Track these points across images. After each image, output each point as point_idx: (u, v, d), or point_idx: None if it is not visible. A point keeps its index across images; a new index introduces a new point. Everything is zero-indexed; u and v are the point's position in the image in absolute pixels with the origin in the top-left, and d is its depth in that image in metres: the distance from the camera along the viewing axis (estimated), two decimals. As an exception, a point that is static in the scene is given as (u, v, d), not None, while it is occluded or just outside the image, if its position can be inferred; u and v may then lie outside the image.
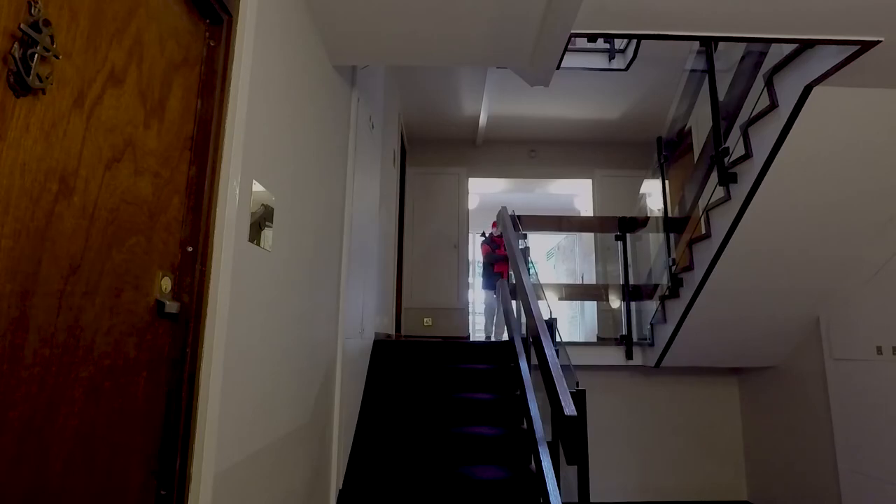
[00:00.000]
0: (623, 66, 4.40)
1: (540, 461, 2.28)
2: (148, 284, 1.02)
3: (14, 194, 0.71)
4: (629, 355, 3.95)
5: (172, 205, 1.10)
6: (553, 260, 7.97)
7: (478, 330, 8.20)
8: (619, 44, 4.44)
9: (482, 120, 5.28)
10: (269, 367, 1.53)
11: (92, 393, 0.87)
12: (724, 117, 3.05)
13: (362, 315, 2.95)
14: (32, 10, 0.73)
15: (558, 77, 2.44)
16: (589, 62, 4.46)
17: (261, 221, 1.43)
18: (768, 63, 2.64)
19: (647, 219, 4.38)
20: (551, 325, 3.44)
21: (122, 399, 0.95)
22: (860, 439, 3.00)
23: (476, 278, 6.06)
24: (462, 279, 5.65)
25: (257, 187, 1.41)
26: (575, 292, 5.51)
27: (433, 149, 5.87)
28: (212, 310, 1.18)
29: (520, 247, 3.61)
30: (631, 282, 4.07)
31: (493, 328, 5.04)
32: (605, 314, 5.07)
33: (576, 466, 2.35)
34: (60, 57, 0.79)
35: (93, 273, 0.87)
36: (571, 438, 1.73)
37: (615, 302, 4.43)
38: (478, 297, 8.03)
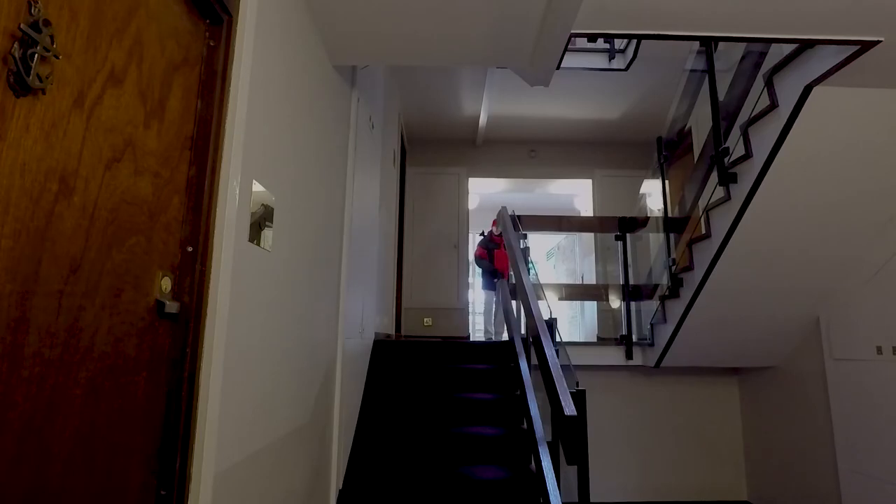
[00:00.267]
0: (623, 66, 4.40)
1: (540, 461, 2.28)
2: (148, 284, 1.02)
3: (14, 194, 0.71)
4: (629, 355, 3.95)
5: (172, 205, 1.10)
6: (553, 260, 7.97)
7: (478, 330, 8.20)
8: (619, 44, 4.44)
9: (482, 120, 5.28)
10: (269, 367, 1.53)
11: (92, 393, 0.87)
12: (724, 117, 3.05)
13: (362, 315, 2.95)
14: (32, 10, 0.73)
15: (558, 77, 2.44)
16: (589, 62, 4.46)
17: (261, 221, 1.43)
18: (768, 63, 2.64)
19: (647, 219, 4.38)
20: (551, 325, 3.44)
21: (122, 399, 0.95)
22: (860, 439, 3.00)
23: (476, 278, 6.05)
24: (462, 279, 5.65)
25: (257, 187, 1.41)
26: (575, 292, 5.51)
27: (433, 149, 5.87)
28: (212, 310, 1.18)
29: (520, 247, 3.61)
30: (631, 282, 4.08)
31: (493, 326, 5.02)
32: (605, 314, 5.07)
33: (576, 466, 2.35)
34: (60, 57, 0.79)
35: (93, 273, 0.87)
36: (571, 438, 1.73)
37: (615, 302, 4.43)
38: (478, 297, 8.03)
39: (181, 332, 1.12)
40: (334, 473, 2.32)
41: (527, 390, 2.74)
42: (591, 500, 3.82)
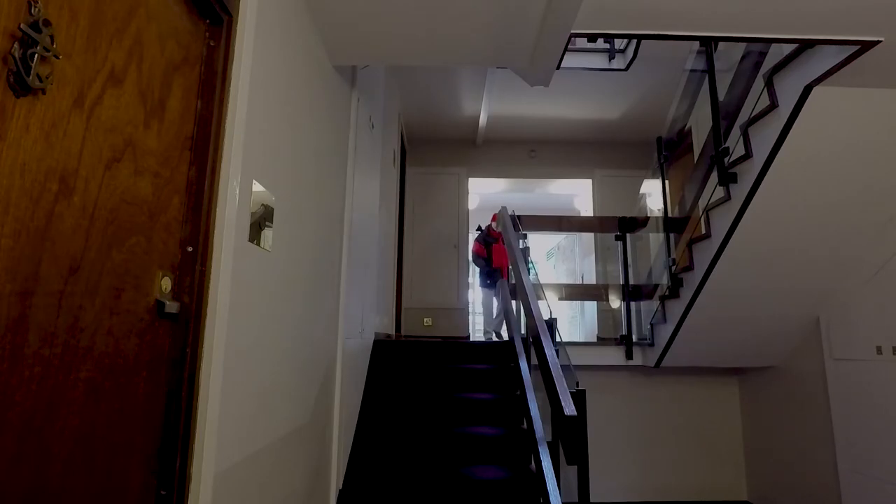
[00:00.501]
0: (623, 66, 4.40)
1: (540, 461, 2.28)
2: (148, 284, 1.02)
3: (14, 194, 0.71)
4: (629, 355, 3.95)
5: (172, 205, 1.10)
6: (553, 260, 7.97)
7: (478, 330, 8.19)
8: (619, 44, 4.44)
9: (482, 120, 5.28)
10: (269, 366, 1.53)
11: (92, 393, 0.87)
12: (724, 117, 3.05)
13: (362, 315, 2.95)
14: (32, 10, 0.73)
15: (558, 77, 2.44)
16: (589, 62, 4.46)
17: (261, 221, 1.43)
18: (768, 63, 2.64)
19: (647, 219, 4.38)
20: (551, 325, 3.44)
21: (122, 399, 0.95)
22: (860, 439, 2.99)
23: (475, 277, 6.04)
24: (462, 279, 5.65)
25: (257, 187, 1.41)
26: (575, 292, 5.51)
27: (433, 149, 5.87)
28: (212, 310, 1.18)
29: (520, 247, 3.61)
30: (631, 282, 4.07)
31: (491, 326, 4.99)
32: (605, 314, 5.07)
33: (576, 466, 2.35)
34: (60, 57, 0.79)
35: (93, 273, 0.87)
36: (571, 438, 1.73)
37: (615, 302, 4.43)
38: (478, 297, 8.03)
39: (181, 332, 1.12)
40: (334, 473, 2.32)
41: (527, 390, 2.74)
42: (591, 500, 3.82)
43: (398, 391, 3.09)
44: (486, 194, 6.52)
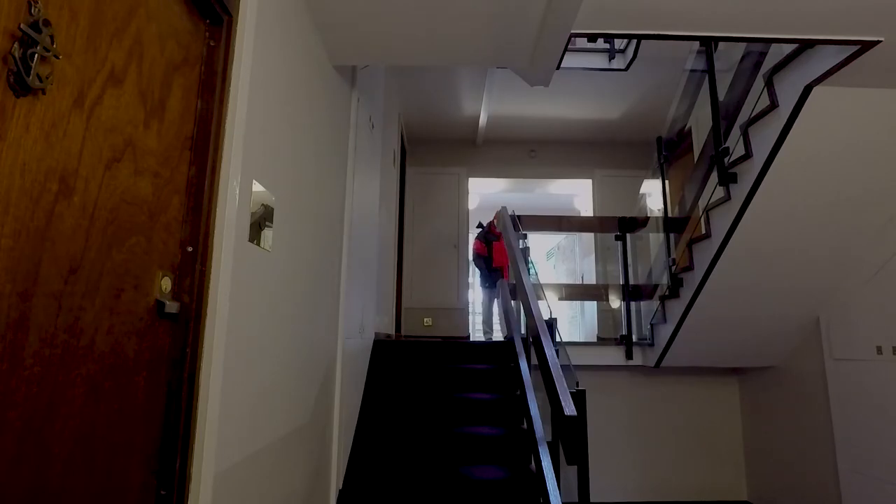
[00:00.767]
0: (623, 66, 4.40)
1: (540, 461, 2.28)
2: (148, 284, 1.02)
3: (14, 194, 0.71)
4: (629, 355, 3.95)
5: (172, 205, 1.10)
6: (553, 260, 7.97)
7: (478, 330, 8.19)
8: (619, 44, 4.44)
9: (482, 120, 5.28)
10: (269, 366, 1.53)
11: (92, 393, 0.87)
12: (724, 117, 3.05)
13: (362, 315, 2.95)
14: (32, 10, 0.73)
15: (558, 77, 2.45)
16: (589, 62, 4.46)
17: (261, 221, 1.43)
18: (768, 63, 2.64)
19: (647, 219, 4.38)
20: (551, 325, 3.44)
21: (122, 399, 0.95)
22: (860, 439, 3.00)
23: (475, 277, 6.02)
24: (462, 279, 5.65)
25: (257, 187, 1.41)
26: (575, 292, 5.51)
27: (433, 149, 5.87)
28: (212, 310, 1.18)
29: (520, 247, 3.61)
30: (631, 282, 4.08)
31: (490, 325, 4.95)
32: (605, 314, 5.07)
33: (576, 466, 2.35)
34: (60, 57, 0.79)
35: (93, 273, 0.87)
36: (571, 438, 1.73)
37: (615, 302, 4.43)
38: (478, 297, 8.01)
39: (181, 332, 1.12)
40: (334, 473, 2.32)
41: (527, 390, 2.74)
42: (591, 500, 3.82)
43: (398, 391, 3.09)
44: (486, 194, 6.52)
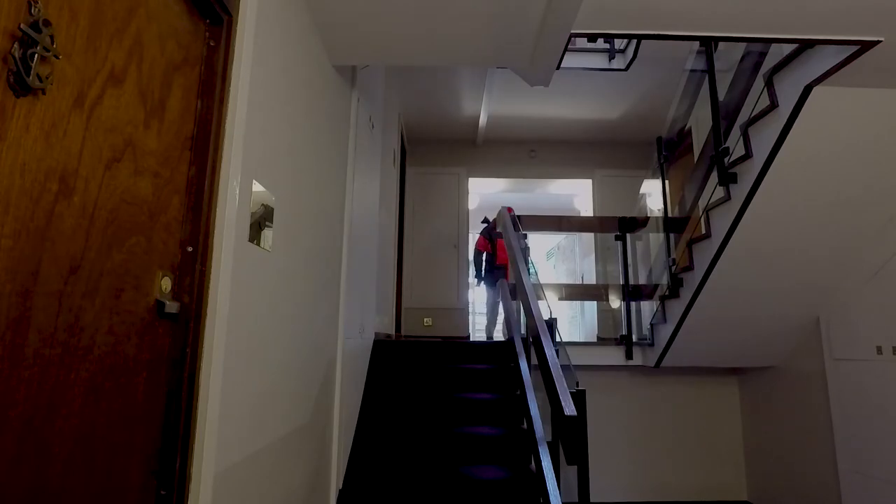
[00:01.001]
0: (623, 66, 4.40)
1: (540, 461, 2.28)
2: (148, 284, 1.02)
3: (14, 194, 0.71)
4: (629, 355, 3.95)
5: (172, 205, 1.10)
6: (553, 260, 7.97)
7: (478, 330, 8.19)
8: (619, 44, 4.44)
9: (482, 120, 5.28)
10: (269, 367, 1.53)
11: (92, 393, 0.87)
12: (724, 117, 3.05)
13: (362, 315, 2.95)
14: (32, 10, 0.73)
15: (558, 77, 2.44)
16: (589, 62, 4.46)
17: (261, 221, 1.43)
18: (768, 63, 2.64)
19: (647, 219, 4.38)
20: (551, 325, 3.43)
21: (122, 399, 0.95)
22: (860, 439, 3.00)
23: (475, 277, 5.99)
24: (462, 279, 5.65)
25: (257, 187, 1.41)
26: (575, 292, 5.51)
27: (433, 149, 5.88)
28: (212, 310, 1.18)
29: (520, 247, 3.60)
30: (631, 282, 4.07)
31: (494, 326, 4.91)
32: (605, 314, 5.07)
33: (576, 466, 2.35)
34: (60, 57, 0.79)
35: (93, 273, 0.87)
36: (571, 438, 1.73)
37: (615, 302, 4.43)
38: (478, 297, 8.00)
39: (181, 332, 1.12)
40: (334, 473, 2.32)
41: (527, 390, 2.74)
42: (591, 500, 3.82)
43: (398, 391, 3.09)
44: (486, 194, 6.53)
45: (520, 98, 4.86)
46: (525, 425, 2.81)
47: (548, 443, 2.37)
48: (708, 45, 3.22)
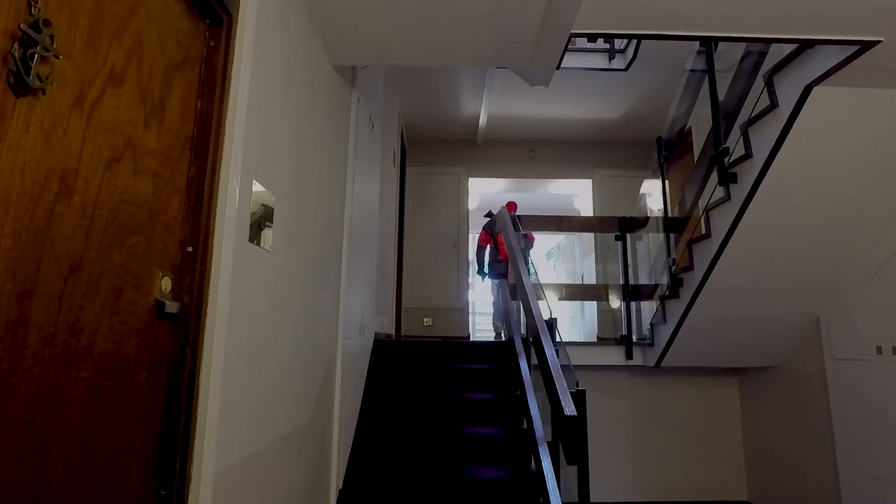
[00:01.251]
0: (623, 66, 4.40)
1: (540, 461, 2.28)
2: (148, 284, 1.02)
3: (14, 194, 0.71)
4: (629, 355, 3.95)
5: (172, 205, 1.10)
6: (553, 260, 7.97)
7: (478, 330, 8.20)
8: (619, 44, 4.44)
9: (482, 120, 5.28)
10: (270, 367, 1.53)
11: (92, 393, 0.87)
12: (724, 117, 3.05)
13: (362, 315, 2.95)
14: (32, 10, 0.73)
15: (558, 77, 2.44)
16: (589, 62, 4.46)
17: (261, 221, 1.43)
18: (768, 63, 2.64)
19: (647, 219, 4.38)
20: (551, 325, 3.44)
21: (122, 399, 0.95)
22: (860, 439, 2.99)
23: (475, 277, 5.96)
24: (462, 279, 5.65)
25: (257, 187, 1.41)
26: (575, 292, 5.51)
27: (433, 149, 5.87)
28: (212, 310, 1.18)
29: (520, 247, 3.60)
30: (631, 282, 4.07)
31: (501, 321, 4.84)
32: (605, 314, 5.07)
33: (576, 466, 2.35)
34: (60, 57, 0.79)
35: (93, 273, 0.87)
36: (571, 438, 1.73)
37: (615, 302, 4.43)
38: (478, 297, 8.00)
39: (181, 332, 1.12)
40: (334, 473, 2.32)
41: (527, 390, 2.74)
42: (591, 500, 3.82)
43: (398, 391, 3.09)
44: (486, 194, 6.53)
45: (520, 98, 4.86)
46: (525, 425, 2.81)
47: (548, 443, 2.37)
48: (708, 45, 3.22)
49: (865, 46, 1.93)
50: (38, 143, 0.75)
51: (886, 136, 2.42)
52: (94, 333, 0.87)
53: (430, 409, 2.90)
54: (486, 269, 4.92)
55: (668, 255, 3.76)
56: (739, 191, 2.76)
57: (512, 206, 4.90)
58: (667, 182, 4.05)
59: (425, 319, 5.51)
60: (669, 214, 3.98)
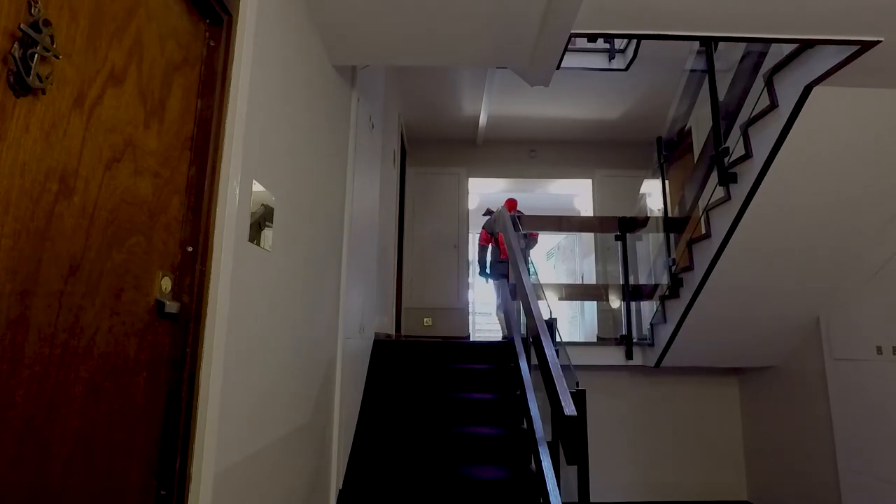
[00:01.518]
0: (623, 66, 4.40)
1: (540, 461, 2.28)
2: (148, 284, 1.02)
3: (14, 194, 0.71)
4: (629, 355, 3.95)
5: (172, 205, 1.10)
6: (553, 260, 7.97)
7: (478, 330, 8.20)
8: (619, 44, 4.44)
9: (482, 120, 5.28)
10: (269, 367, 1.53)
11: (92, 393, 0.87)
12: (724, 117, 3.05)
13: (362, 315, 2.95)
14: (32, 10, 0.73)
15: (558, 77, 2.44)
16: (589, 62, 4.46)
17: (261, 221, 1.43)
18: (768, 63, 2.64)
19: (647, 219, 4.37)
20: (551, 325, 3.43)
21: (122, 399, 0.95)
22: (860, 439, 2.99)
23: (476, 277, 5.95)
24: (462, 279, 5.65)
25: (257, 187, 1.41)
26: (575, 292, 5.51)
27: (433, 149, 5.87)
28: (212, 310, 1.18)
29: (520, 247, 3.60)
30: (631, 282, 4.07)
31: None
32: (605, 314, 5.07)
33: (576, 466, 2.35)
34: (60, 57, 0.79)
35: (93, 273, 0.87)
36: (571, 438, 1.73)
37: (615, 302, 4.43)
38: (478, 297, 8.00)
39: (181, 332, 1.12)
40: (334, 473, 2.32)
41: (527, 390, 2.74)
42: (591, 500, 3.82)
43: (398, 391, 3.09)
44: (486, 194, 6.53)
45: (520, 98, 4.86)
46: (525, 425, 2.81)
47: (548, 443, 2.37)
48: (708, 45, 3.22)
49: (865, 46, 1.93)
50: (38, 143, 0.75)
51: (886, 136, 2.42)
52: (94, 333, 0.87)
53: (430, 409, 2.90)
54: (487, 270, 4.91)
55: (668, 255, 3.76)
56: (739, 191, 2.76)
57: (512, 203, 4.89)
58: (667, 182, 4.05)
59: (425, 319, 5.51)
60: (669, 214, 3.98)
